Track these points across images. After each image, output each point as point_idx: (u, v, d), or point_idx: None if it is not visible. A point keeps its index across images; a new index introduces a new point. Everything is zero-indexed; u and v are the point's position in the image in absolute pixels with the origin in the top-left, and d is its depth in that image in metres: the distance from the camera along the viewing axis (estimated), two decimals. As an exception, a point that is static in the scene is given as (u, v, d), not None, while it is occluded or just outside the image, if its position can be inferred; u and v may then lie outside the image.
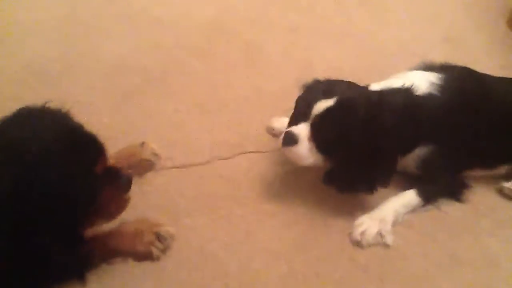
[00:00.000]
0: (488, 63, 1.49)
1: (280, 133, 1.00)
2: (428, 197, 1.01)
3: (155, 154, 1.07)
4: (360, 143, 0.90)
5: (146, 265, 0.88)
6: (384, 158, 0.94)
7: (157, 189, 1.04)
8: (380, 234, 0.93)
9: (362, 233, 0.93)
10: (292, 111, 1.02)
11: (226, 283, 0.87)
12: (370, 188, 0.95)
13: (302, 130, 0.93)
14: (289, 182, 1.07)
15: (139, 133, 1.18)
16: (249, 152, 1.14)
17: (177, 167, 1.09)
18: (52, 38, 1.53)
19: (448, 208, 1.04)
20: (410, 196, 1.00)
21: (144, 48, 1.52)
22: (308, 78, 1.06)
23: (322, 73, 1.04)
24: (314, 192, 1.04)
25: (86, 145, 0.79)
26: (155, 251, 0.88)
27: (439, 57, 1.16)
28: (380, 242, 0.93)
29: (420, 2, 1.88)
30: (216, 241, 0.94)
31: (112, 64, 1.43)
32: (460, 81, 1.03)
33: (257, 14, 1.72)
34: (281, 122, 1.16)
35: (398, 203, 0.98)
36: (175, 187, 1.05)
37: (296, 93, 1.04)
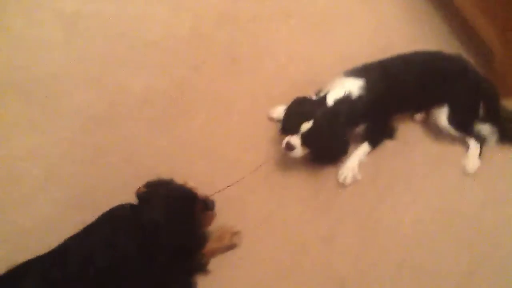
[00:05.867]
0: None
1: (278, 120, 1.77)
2: (374, 144, 1.74)
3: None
4: (328, 141, 1.62)
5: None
6: (341, 142, 1.67)
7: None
8: (353, 176, 1.67)
9: (344, 178, 1.66)
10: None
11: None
12: (338, 158, 1.70)
13: (296, 140, 1.60)
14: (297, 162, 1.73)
15: (188, 150, 1.79)
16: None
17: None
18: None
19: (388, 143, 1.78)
20: (364, 147, 1.73)
21: (155, 73, 2.04)
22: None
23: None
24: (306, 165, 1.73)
25: (189, 195, 1.43)
26: (236, 241, 1.50)
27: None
28: (354, 180, 1.67)
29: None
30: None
31: (142, 95, 1.97)
32: (373, 80, 1.68)
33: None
34: (277, 112, 1.84)
35: (358, 154, 1.71)
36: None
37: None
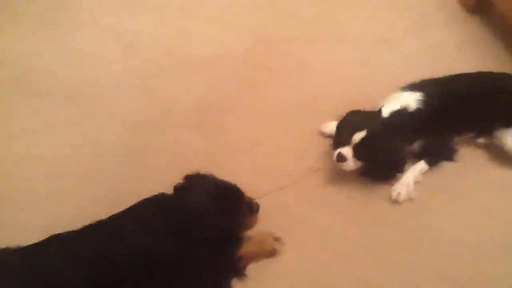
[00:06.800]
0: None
1: (329, 135, 1.69)
2: (432, 163, 1.62)
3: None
4: (382, 154, 1.53)
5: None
6: (396, 156, 1.57)
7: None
8: (407, 193, 1.54)
9: (397, 195, 1.54)
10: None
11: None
12: (392, 174, 1.59)
13: (348, 152, 1.53)
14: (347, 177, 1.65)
15: (234, 156, 1.75)
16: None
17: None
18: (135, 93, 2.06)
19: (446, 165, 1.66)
20: (421, 165, 1.61)
21: (206, 87, 2.04)
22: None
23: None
24: (357, 180, 1.64)
25: (237, 191, 1.38)
26: (277, 247, 1.40)
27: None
28: (408, 198, 1.55)
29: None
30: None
31: (191, 105, 1.97)
32: (432, 94, 1.61)
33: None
34: (329, 127, 1.76)
35: (414, 171, 1.60)
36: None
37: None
